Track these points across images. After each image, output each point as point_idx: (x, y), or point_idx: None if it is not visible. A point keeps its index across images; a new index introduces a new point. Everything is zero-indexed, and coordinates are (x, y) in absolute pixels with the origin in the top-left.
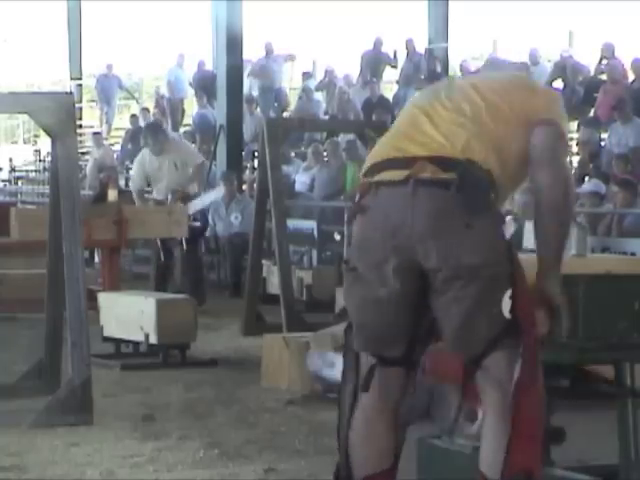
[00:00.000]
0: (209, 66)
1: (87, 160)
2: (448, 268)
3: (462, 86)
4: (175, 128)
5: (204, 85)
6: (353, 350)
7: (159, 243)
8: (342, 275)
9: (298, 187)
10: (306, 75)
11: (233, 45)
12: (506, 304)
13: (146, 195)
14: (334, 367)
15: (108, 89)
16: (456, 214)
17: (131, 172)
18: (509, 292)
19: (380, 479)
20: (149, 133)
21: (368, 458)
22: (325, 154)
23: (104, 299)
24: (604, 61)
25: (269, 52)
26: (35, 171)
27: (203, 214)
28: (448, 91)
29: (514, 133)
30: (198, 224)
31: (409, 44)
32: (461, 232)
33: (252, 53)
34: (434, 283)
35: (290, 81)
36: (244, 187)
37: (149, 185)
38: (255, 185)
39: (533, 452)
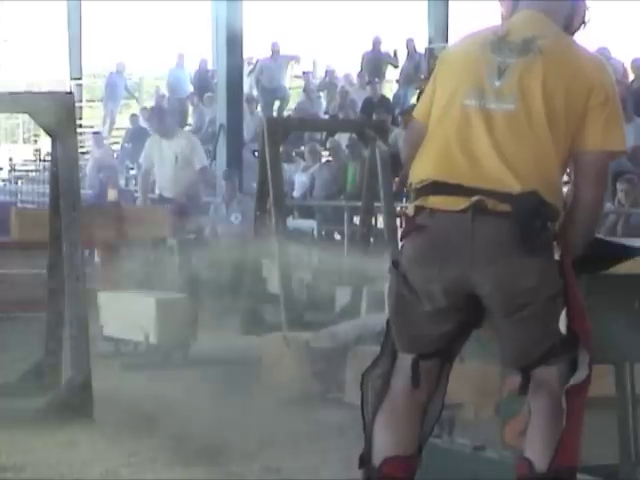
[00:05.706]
0: (210, 66)
1: (87, 160)
2: (505, 293)
3: (523, 76)
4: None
5: (201, 84)
6: (391, 339)
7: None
8: (342, 275)
9: (297, 187)
10: (307, 75)
11: (233, 45)
12: (562, 320)
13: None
14: None
15: (117, 88)
16: (512, 243)
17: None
18: (565, 309)
19: (400, 462)
20: (155, 115)
21: (391, 441)
22: (327, 153)
23: (104, 299)
24: None
25: (275, 53)
26: (35, 171)
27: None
28: (504, 80)
29: (564, 148)
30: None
31: (409, 44)
32: (517, 259)
33: (252, 53)
34: (491, 306)
35: (290, 81)
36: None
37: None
38: (255, 185)
39: (577, 450)
